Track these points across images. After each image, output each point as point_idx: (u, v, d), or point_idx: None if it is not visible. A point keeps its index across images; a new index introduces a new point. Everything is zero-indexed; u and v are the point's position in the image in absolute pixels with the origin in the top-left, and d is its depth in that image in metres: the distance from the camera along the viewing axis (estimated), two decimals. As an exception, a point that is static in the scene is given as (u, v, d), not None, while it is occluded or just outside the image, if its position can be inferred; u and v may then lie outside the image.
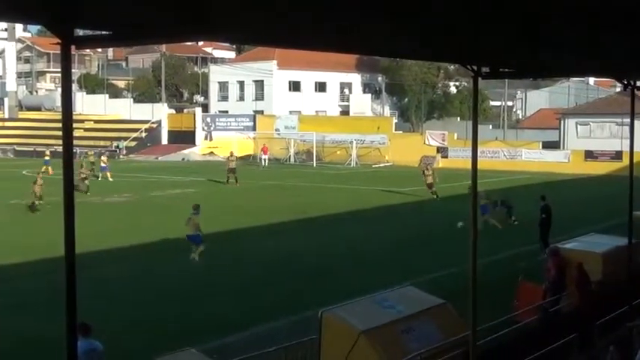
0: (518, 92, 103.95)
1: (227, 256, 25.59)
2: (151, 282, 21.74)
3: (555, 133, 69.48)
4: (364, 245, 27.81)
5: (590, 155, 63.14)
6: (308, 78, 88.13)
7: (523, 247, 26.01)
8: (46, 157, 57.16)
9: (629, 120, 17.19)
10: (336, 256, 25.52)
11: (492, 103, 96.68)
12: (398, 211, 35.68)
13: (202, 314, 18.30)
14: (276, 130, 77.26)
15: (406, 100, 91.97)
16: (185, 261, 24.06)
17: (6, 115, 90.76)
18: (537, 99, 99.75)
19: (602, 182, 52.40)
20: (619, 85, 38.36)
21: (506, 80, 78.06)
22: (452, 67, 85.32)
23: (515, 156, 65.85)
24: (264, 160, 68.69)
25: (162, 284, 21.49)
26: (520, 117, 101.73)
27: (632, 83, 15.44)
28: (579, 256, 16.91)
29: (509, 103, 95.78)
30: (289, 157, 72.75)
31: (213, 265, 23.95)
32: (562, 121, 68.44)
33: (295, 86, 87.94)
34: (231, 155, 51.48)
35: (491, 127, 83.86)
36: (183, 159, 73.52)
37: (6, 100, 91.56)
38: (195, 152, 75.88)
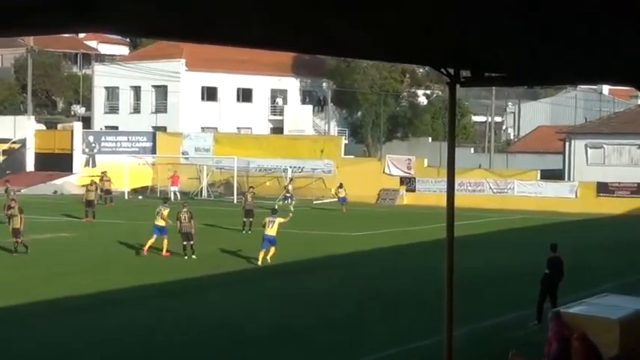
0: (510, 104, 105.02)
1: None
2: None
3: (558, 159, 70.18)
4: (305, 310, 27.82)
5: (603, 189, 63.83)
6: (227, 83, 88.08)
7: (515, 312, 26.20)
8: None
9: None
10: (262, 325, 25.46)
11: (475, 118, 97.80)
12: (344, 264, 35.66)
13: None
14: (183, 153, 76.99)
15: (360, 113, 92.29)
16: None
17: None
18: (535, 113, 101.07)
19: (619, 224, 53.15)
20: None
21: (494, 88, 79.12)
22: (421, 70, 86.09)
23: (505, 189, 66.39)
24: (175, 193, 67.55)
25: None
26: (512, 137, 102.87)
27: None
28: (589, 323, 16.99)
29: (498, 119, 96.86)
30: (200, 189, 72.26)
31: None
32: (567, 143, 69.07)
33: (210, 94, 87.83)
34: (91, 184, 53.84)
35: (473, 150, 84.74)
36: (55, 191, 72.84)
37: None
38: (72, 183, 75.17)
